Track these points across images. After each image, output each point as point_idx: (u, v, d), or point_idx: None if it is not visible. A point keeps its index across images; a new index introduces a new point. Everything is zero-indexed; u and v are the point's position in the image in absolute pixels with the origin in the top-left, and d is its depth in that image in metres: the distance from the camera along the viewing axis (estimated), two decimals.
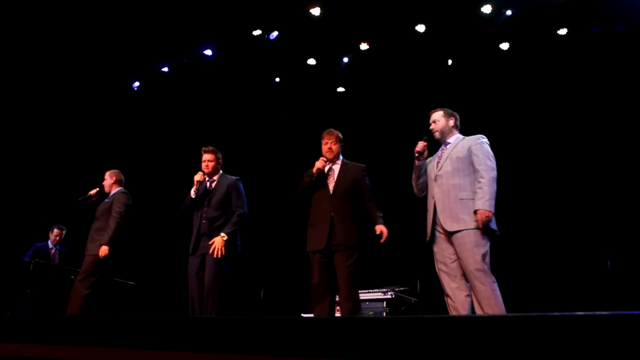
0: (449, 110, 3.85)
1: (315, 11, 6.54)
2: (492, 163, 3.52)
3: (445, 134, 3.78)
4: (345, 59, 7.42)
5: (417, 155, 3.75)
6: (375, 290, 5.34)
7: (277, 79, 7.87)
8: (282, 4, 6.61)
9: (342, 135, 4.29)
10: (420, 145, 3.74)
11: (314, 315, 3.91)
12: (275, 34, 7.00)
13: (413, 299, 5.50)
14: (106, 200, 5.33)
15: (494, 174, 3.47)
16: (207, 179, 4.63)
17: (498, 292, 3.26)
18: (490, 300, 3.22)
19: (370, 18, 6.62)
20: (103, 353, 2.33)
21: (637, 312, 1.32)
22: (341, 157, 4.26)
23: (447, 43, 6.81)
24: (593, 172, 6.02)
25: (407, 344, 1.62)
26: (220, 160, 4.74)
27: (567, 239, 5.88)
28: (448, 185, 3.56)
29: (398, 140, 7.36)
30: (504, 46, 6.61)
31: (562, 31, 6.26)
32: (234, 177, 4.68)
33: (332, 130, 4.25)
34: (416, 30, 6.64)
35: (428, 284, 5.69)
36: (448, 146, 3.74)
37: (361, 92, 7.69)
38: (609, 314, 1.37)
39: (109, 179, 5.47)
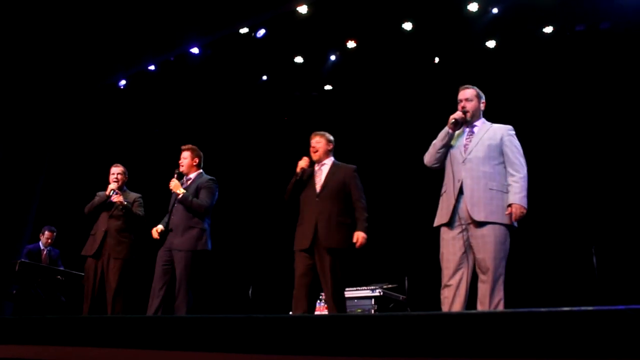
0: (481, 92, 3.60)
1: (303, 9, 6.53)
2: (524, 160, 3.37)
3: (475, 116, 3.54)
4: (333, 57, 7.43)
5: (453, 122, 3.45)
6: (363, 287, 5.35)
7: (265, 77, 7.85)
8: (269, 2, 6.59)
9: (330, 133, 4.26)
10: (459, 114, 3.48)
11: (293, 313, 3.91)
12: (262, 32, 6.98)
13: (401, 296, 5.53)
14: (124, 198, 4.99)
15: (526, 170, 3.34)
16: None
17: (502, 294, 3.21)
18: (494, 300, 3.17)
19: (358, 16, 6.63)
20: (92, 353, 2.32)
21: (622, 307, 1.34)
22: (332, 158, 4.19)
23: (434, 41, 6.84)
24: (579, 168, 6.08)
25: (395, 341, 1.64)
26: (197, 159, 4.67)
27: (553, 235, 5.93)
28: (478, 172, 3.34)
29: (385, 138, 7.40)
30: (491, 44, 6.66)
31: (548, 29, 6.32)
32: (209, 177, 4.65)
33: (318, 132, 4.22)
34: (403, 28, 6.67)
35: (416, 281, 5.72)
36: (476, 129, 3.51)
37: (349, 89, 7.70)
38: (594, 309, 1.38)
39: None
